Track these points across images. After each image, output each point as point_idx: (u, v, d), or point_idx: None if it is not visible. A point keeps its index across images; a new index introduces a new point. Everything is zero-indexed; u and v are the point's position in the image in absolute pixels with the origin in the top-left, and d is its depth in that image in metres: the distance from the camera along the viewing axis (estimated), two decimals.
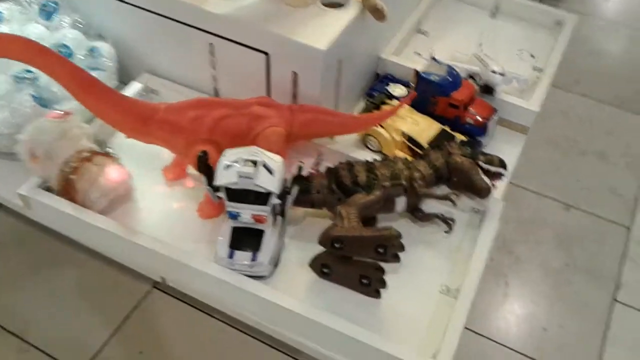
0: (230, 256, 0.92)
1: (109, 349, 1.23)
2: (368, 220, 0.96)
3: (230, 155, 0.88)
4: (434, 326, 0.89)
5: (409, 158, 1.03)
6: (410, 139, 1.08)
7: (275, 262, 0.95)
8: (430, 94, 1.13)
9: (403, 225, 1.01)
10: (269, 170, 0.87)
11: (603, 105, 2.08)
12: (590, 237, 1.68)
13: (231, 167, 0.87)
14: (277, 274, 0.94)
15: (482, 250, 0.94)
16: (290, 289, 0.93)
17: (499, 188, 1.08)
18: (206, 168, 0.89)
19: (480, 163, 0.98)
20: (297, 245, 0.98)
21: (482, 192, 0.97)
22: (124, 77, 1.20)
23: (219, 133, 0.95)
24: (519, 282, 1.61)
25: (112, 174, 1.00)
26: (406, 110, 1.13)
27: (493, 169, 0.98)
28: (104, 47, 1.16)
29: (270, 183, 0.87)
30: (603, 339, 1.48)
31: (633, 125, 2.02)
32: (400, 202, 0.95)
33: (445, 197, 0.95)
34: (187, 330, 1.32)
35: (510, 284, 1.58)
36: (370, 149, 1.15)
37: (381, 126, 1.11)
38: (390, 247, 0.84)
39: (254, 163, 0.86)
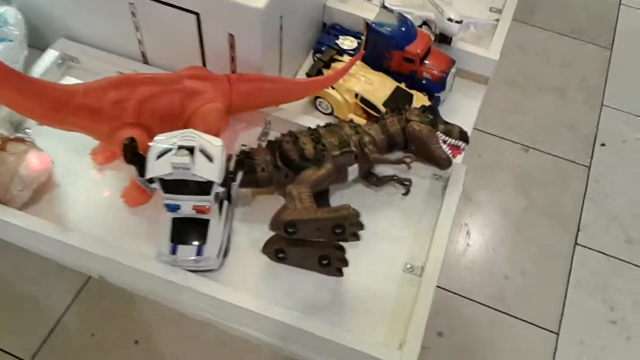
0: (173, 252, 0.82)
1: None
2: (320, 194, 0.87)
3: (161, 142, 0.77)
4: (399, 309, 0.82)
5: (362, 121, 0.93)
6: (364, 100, 0.98)
7: (225, 252, 0.86)
8: (383, 48, 1.02)
9: (357, 193, 0.92)
10: (208, 157, 0.76)
11: (559, 36, 2.00)
12: (550, 179, 1.64)
13: (163, 156, 0.76)
14: (228, 264, 0.85)
15: (445, 223, 0.87)
16: (243, 278, 0.84)
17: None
18: (135, 157, 0.77)
19: (439, 134, 0.89)
20: (247, 227, 0.89)
21: (442, 163, 0.89)
22: (39, 44, 1.04)
23: (146, 115, 0.82)
24: (479, 230, 1.56)
25: (32, 161, 0.88)
26: (359, 67, 1.03)
27: (452, 142, 0.89)
28: (10, 13, 1.00)
29: (209, 172, 0.76)
30: (566, 283, 1.46)
31: (589, 56, 1.96)
32: (353, 171, 0.86)
33: (399, 161, 0.86)
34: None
35: (471, 233, 1.53)
36: (322, 112, 1.04)
37: (332, 87, 1.01)
38: (349, 227, 0.76)
39: (190, 150, 0.76)
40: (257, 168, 0.84)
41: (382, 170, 0.94)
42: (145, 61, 1.01)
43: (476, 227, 1.53)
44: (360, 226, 0.77)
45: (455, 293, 1.41)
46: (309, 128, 0.88)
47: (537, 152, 1.68)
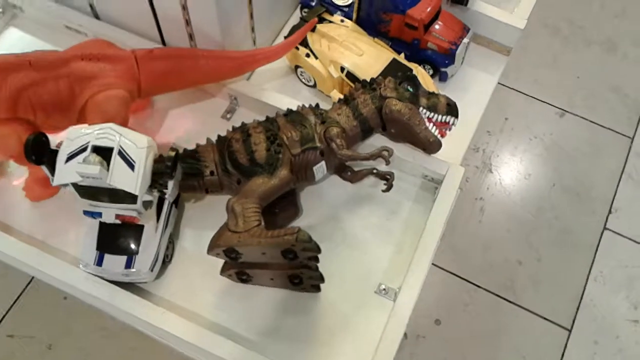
0: (99, 262, 0.68)
1: None
2: (285, 195, 0.70)
3: (74, 139, 0.61)
4: (368, 338, 0.68)
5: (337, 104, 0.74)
6: (350, 75, 0.79)
7: (167, 257, 0.71)
8: (380, 8, 0.82)
9: (332, 186, 0.75)
10: (129, 162, 0.60)
11: None
12: (584, 150, 1.43)
13: (74, 158, 0.60)
14: (171, 274, 0.72)
15: (429, 242, 0.70)
16: (187, 293, 0.71)
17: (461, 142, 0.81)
18: (41, 156, 0.62)
19: (422, 108, 0.70)
20: (196, 231, 0.74)
21: (429, 148, 0.71)
22: None
23: (25, 108, 0.65)
24: (495, 206, 1.37)
25: None
26: (350, 32, 0.83)
27: (439, 118, 0.70)
28: None
29: (128, 181, 0.60)
30: (587, 274, 1.28)
31: None
32: (320, 170, 0.69)
33: (374, 156, 0.68)
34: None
35: (485, 210, 1.34)
36: (305, 84, 0.86)
37: (315, 57, 0.82)
38: (301, 252, 0.61)
39: (107, 152, 0.60)
40: (205, 171, 0.68)
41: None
42: (96, 15, 0.84)
43: (492, 202, 1.34)
44: (315, 251, 0.61)
45: (459, 276, 1.25)
46: (267, 119, 0.70)
47: (573, 117, 1.45)
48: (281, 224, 0.74)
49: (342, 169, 0.76)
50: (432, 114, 0.72)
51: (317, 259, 0.65)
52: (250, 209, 0.64)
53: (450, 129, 0.74)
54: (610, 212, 1.34)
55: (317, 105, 0.73)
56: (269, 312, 0.71)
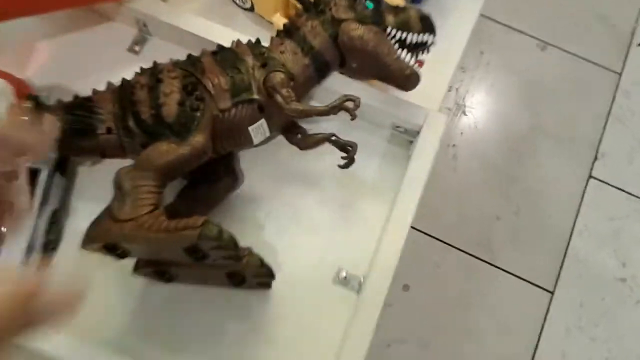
0: None
1: None
2: (222, 158, 0.51)
3: None
4: (328, 338, 0.51)
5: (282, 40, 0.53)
6: None
7: (51, 244, 0.52)
8: None
9: (281, 147, 0.56)
10: None
11: None
12: (567, 88, 1.26)
13: None
14: (59, 267, 0.52)
15: (404, 214, 0.53)
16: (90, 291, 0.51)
17: (438, 83, 0.63)
18: None
19: (390, 29, 0.50)
20: (93, 206, 0.54)
21: (405, 82, 0.52)
22: None
23: None
24: (470, 154, 1.21)
25: None
26: None
27: (414, 38, 0.51)
28: None
29: None
30: (570, 228, 1.15)
31: None
32: (258, 131, 0.49)
33: (336, 108, 0.49)
34: None
35: (459, 158, 1.18)
36: (240, 5, 0.65)
37: None
38: (211, 252, 0.42)
39: None
40: (99, 127, 0.48)
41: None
42: None
43: (466, 149, 1.18)
44: (231, 249, 0.43)
45: (429, 235, 1.10)
46: (189, 58, 0.49)
47: (556, 50, 1.28)
48: (216, 197, 0.55)
49: (290, 129, 0.56)
50: (404, 34, 0.52)
51: (237, 257, 0.47)
52: (144, 187, 0.44)
53: (428, 51, 0.55)
54: (596, 158, 1.20)
55: (258, 41, 0.52)
56: (205, 316, 0.53)
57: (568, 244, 1.13)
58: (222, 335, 0.52)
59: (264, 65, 0.49)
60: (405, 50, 0.53)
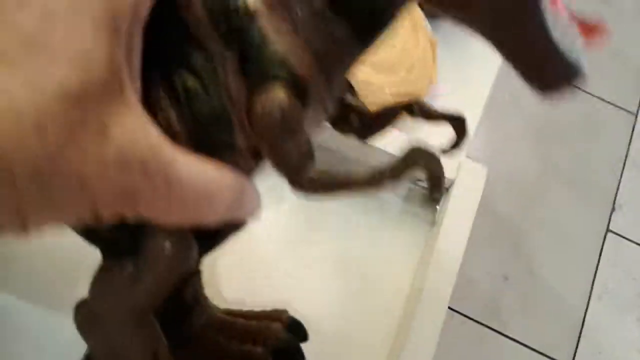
0: None
1: None
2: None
3: None
4: None
5: None
6: None
7: None
8: None
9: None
10: None
11: None
12: (580, 130, 1.13)
13: None
14: None
15: (440, 294, 0.39)
16: None
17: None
18: None
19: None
20: None
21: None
22: None
23: None
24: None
25: None
26: None
27: None
28: None
29: None
30: (588, 292, 1.02)
31: None
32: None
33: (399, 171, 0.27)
34: None
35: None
36: None
37: None
38: None
39: None
40: None
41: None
42: None
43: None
44: None
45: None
46: None
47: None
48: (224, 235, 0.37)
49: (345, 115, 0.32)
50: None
51: None
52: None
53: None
54: (613, 209, 1.07)
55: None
56: None
57: (586, 310, 1.00)
58: None
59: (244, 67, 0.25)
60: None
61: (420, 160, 0.24)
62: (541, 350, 0.95)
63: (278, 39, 0.23)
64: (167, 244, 0.27)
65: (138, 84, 0.22)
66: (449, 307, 1.05)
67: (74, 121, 0.20)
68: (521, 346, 0.95)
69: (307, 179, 0.25)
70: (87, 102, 0.20)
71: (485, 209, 1.03)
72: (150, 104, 0.23)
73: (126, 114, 0.21)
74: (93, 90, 0.21)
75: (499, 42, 0.21)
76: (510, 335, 0.96)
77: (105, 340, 0.30)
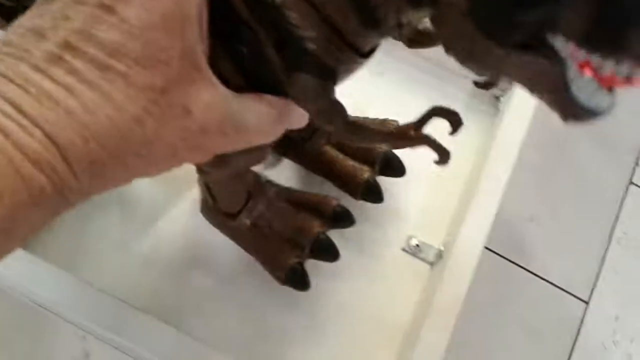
0: None
1: None
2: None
3: None
4: (393, 324, 0.42)
5: None
6: None
7: None
8: None
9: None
10: None
11: None
12: None
13: None
14: None
15: (499, 175, 0.44)
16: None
17: None
18: None
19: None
20: None
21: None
22: None
23: None
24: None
25: None
26: None
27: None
28: None
29: None
30: (608, 235, 1.06)
31: None
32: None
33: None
34: None
35: None
36: None
37: None
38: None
39: None
40: None
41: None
42: None
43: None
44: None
45: None
46: None
47: None
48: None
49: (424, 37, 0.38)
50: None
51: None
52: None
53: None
54: (637, 163, 1.12)
55: None
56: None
57: (606, 252, 1.05)
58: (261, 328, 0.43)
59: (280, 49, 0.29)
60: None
61: (441, 112, 0.31)
62: (561, 286, 1.01)
63: (305, 25, 0.27)
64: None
65: (205, 44, 0.28)
66: None
67: (163, 110, 0.25)
68: (543, 281, 1.01)
69: (342, 125, 0.31)
70: (171, 93, 0.25)
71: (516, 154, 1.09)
72: (213, 62, 0.28)
73: (202, 88, 0.26)
74: (174, 82, 0.25)
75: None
76: (533, 271, 1.01)
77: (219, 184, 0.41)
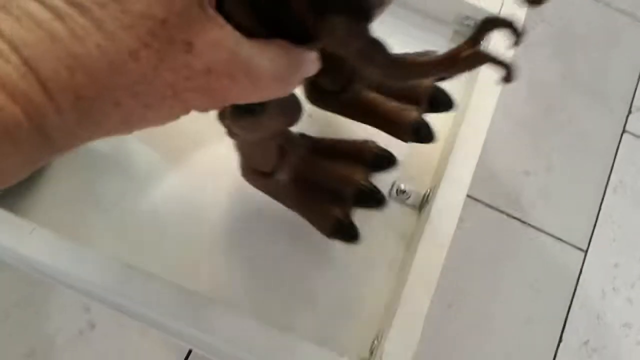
0: None
1: None
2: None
3: None
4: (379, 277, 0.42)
5: None
6: None
7: None
8: None
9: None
10: None
11: None
12: (598, 38, 1.17)
13: None
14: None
15: (480, 121, 0.44)
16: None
17: None
18: None
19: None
20: None
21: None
22: None
23: None
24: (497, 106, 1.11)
25: None
26: None
27: None
28: None
29: None
30: (604, 185, 1.07)
31: None
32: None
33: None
34: None
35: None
36: None
37: None
38: None
39: None
40: None
41: None
42: None
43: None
44: None
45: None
46: None
47: None
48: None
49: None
50: None
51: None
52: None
53: None
54: (630, 112, 1.12)
55: None
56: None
57: (602, 201, 1.06)
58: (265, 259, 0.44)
59: None
60: None
61: (491, 25, 0.28)
62: (559, 236, 1.01)
63: None
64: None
65: None
66: (471, 196, 1.12)
67: (162, 44, 0.22)
68: (540, 232, 1.01)
69: (386, 64, 0.29)
70: (172, 26, 0.23)
71: (506, 110, 1.09)
72: (225, 10, 0.26)
73: (207, 27, 0.23)
74: (175, 14, 0.23)
75: None
76: (530, 223, 1.02)
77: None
